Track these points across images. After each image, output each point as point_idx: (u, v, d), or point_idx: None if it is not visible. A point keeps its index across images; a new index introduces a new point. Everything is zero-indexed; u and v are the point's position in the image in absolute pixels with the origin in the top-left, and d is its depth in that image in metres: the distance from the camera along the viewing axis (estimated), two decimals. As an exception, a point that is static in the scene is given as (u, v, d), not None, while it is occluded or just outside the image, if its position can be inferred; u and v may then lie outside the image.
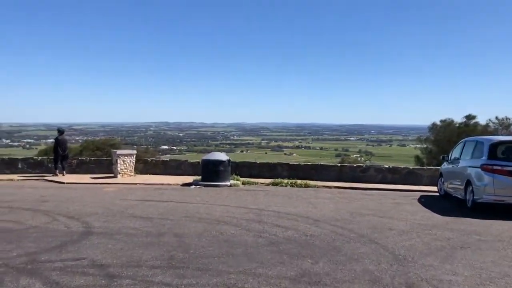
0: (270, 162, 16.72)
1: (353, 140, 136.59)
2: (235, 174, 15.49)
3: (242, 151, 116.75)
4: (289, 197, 11.93)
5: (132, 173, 16.03)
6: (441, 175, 12.95)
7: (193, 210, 9.50)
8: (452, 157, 12.16)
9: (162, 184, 14.48)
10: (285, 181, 15.06)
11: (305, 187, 14.61)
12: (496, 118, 27.00)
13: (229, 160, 14.52)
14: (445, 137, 27.02)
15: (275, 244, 6.60)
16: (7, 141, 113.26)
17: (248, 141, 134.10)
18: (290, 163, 16.57)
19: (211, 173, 14.20)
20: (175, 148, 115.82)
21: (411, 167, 15.55)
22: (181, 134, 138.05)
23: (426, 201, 11.67)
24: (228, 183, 14.23)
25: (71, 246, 6.31)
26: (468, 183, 10.22)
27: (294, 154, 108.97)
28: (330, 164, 16.74)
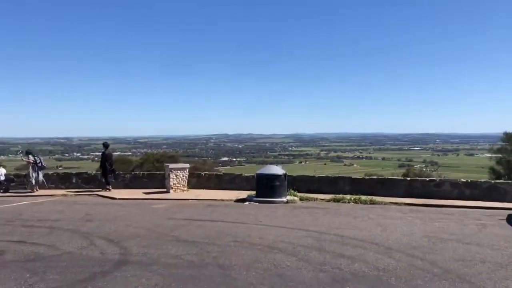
0: (330, 176, 15.35)
1: (416, 150, 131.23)
2: (292, 189, 14.28)
3: (300, 162, 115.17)
4: (353, 216, 10.54)
5: (185, 188, 15.24)
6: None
7: (244, 232, 8.39)
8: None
9: (215, 200, 13.54)
10: (348, 197, 13.64)
11: (370, 204, 13.13)
12: None
13: (285, 174, 13.34)
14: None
15: (340, 282, 5.33)
16: (78, 154, 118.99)
17: (307, 151, 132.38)
18: (353, 177, 15.11)
19: (266, 188, 13.08)
20: (234, 159, 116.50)
21: (493, 181, 13.60)
22: (240, 146, 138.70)
23: (517, 223, 9.86)
24: (284, 199, 13.04)
25: (99, 280, 5.39)
26: None
27: (355, 165, 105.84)
28: (398, 178, 15.08)
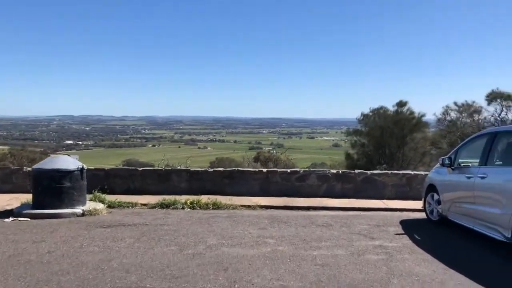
0: (160, 169, 10.53)
1: (265, 133, 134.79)
2: (101, 190, 9.20)
3: (154, 145, 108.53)
4: (180, 245, 5.93)
5: None
6: (431, 188, 7.72)
7: None
8: (461, 161, 6.95)
9: (-43, 215, 7.79)
10: (183, 199, 9.07)
11: (213, 208, 8.78)
12: (455, 103, 22.50)
13: (82, 169, 8.12)
14: (378, 128, 22.49)
15: None
16: None
17: (161, 135, 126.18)
18: (192, 169, 10.51)
19: (48, 193, 7.77)
20: (80, 143, 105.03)
21: (369, 173, 10.29)
22: (87, 128, 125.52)
23: (426, 240, 6.33)
24: (79, 209, 7.88)
25: None
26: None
27: (209, 148, 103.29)
28: (252, 169, 10.95)
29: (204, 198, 9.14)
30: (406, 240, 6.32)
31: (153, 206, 8.84)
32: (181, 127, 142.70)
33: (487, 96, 21.33)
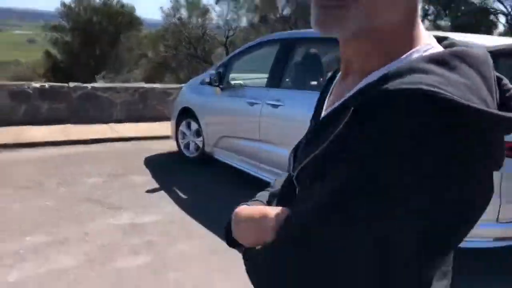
0: None
1: None
2: None
3: None
4: None
5: None
6: (186, 113, 5.42)
7: None
8: (233, 77, 4.84)
9: None
10: None
11: None
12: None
13: None
14: (85, 23, 18.32)
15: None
16: None
17: None
18: None
19: None
20: None
21: (89, 86, 7.12)
22: None
23: (201, 203, 4.18)
24: None
25: None
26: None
27: None
28: None
29: None
30: (170, 207, 3.99)
31: None
32: None
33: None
